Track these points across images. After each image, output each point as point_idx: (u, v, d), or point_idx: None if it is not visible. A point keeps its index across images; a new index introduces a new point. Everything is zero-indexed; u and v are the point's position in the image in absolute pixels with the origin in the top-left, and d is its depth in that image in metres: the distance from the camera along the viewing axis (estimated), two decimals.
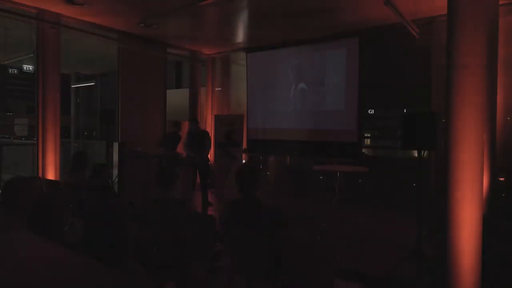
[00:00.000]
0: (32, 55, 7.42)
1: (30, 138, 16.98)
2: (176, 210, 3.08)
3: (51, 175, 6.09)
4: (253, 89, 8.03)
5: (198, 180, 6.81)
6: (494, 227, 4.48)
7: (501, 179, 5.20)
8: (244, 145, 8.01)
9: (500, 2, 4.95)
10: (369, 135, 8.74)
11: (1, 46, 8.83)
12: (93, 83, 13.72)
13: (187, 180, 7.51)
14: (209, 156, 6.94)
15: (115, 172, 6.58)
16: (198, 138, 6.40)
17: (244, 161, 7.96)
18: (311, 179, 7.88)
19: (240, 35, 7.59)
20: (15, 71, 30.34)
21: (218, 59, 9.50)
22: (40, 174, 5.99)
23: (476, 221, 2.93)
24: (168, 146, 6.69)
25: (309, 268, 2.25)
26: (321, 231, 4.59)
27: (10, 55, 9.36)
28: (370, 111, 8.02)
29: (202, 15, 6.42)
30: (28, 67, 12.03)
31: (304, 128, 7.20)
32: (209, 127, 8.98)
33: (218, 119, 8.08)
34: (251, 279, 2.65)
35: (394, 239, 4.94)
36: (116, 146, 6.62)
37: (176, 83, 12.03)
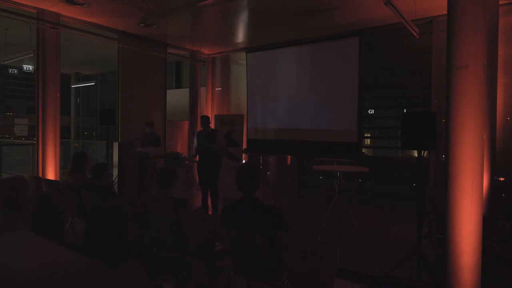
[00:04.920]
0: (32, 55, 7.41)
1: (30, 138, 17.00)
2: (176, 209, 3.08)
3: (51, 175, 6.10)
4: (253, 89, 8.03)
5: (197, 180, 6.77)
6: (494, 227, 4.48)
7: (501, 179, 5.21)
8: (244, 145, 8.01)
9: (500, 2, 4.96)
10: (369, 135, 8.75)
11: (1, 46, 8.84)
12: (93, 83, 13.74)
13: (187, 180, 7.50)
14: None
15: (115, 172, 6.57)
16: (212, 136, 6.33)
17: (244, 161, 7.96)
18: (311, 179, 7.89)
19: (240, 35, 7.59)
20: (15, 71, 30.36)
21: (218, 59, 9.50)
22: (40, 174, 5.99)
23: (476, 221, 2.93)
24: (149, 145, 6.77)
25: (309, 268, 2.25)
26: (321, 231, 4.58)
27: (10, 55, 9.37)
28: (370, 111, 8.03)
29: (202, 15, 6.42)
30: (28, 67, 12.05)
31: (304, 128, 7.20)
32: None
33: (218, 119, 8.08)
34: (251, 279, 2.65)
35: (394, 239, 4.94)
36: (116, 146, 6.62)
37: (176, 83, 12.04)
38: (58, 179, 6.06)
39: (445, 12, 3.18)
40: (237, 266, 2.67)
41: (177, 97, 10.09)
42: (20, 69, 13.12)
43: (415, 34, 5.69)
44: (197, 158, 6.44)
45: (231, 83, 9.46)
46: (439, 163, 5.77)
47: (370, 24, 6.49)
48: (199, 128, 6.88)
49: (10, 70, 30.76)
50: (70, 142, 13.40)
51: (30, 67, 11.97)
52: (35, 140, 6.21)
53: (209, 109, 9.44)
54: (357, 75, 6.46)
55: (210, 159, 6.20)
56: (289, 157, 8.24)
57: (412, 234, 3.73)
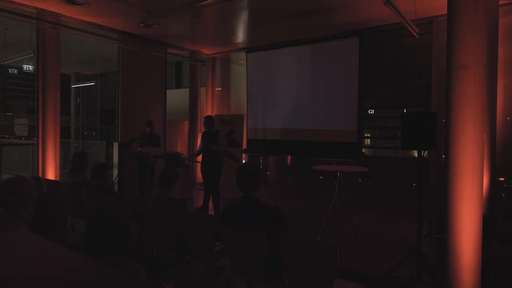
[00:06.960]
0: (32, 55, 7.41)
1: (30, 138, 17.00)
2: (176, 209, 3.08)
3: (51, 175, 6.09)
4: (253, 89, 8.03)
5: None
6: (494, 227, 4.48)
7: (501, 179, 5.20)
8: (244, 145, 8.00)
9: (500, 2, 4.96)
10: (369, 135, 8.75)
11: (1, 46, 8.85)
12: (93, 83, 13.74)
13: (187, 180, 7.49)
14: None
15: (115, 172, 6.58)
16: (214, 137, 6.31)
17: (244, 161, 7.96)
18: (311, 179, 7.89)
19: (240, 35, 7.59)
20: (15, 71, 30.33)
21: (218, 59, 9.50)
22: (40, 174, 5.99)
23: (476, 221, 2.93)
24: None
25: (309, 268, 2.25)
26: (321, 231, 4.58)
27: (10, 55, 9.37)
28: (370, 111, 8.03)
29: (202, 15, 6.42)
30: (28, 67, 12.03)
31: (304, 128, 7.20)
32: None
33: (218, 119, 8.08)
34: (251, 279, 2.65)
35: (394, 239, 4.94)
36: (116, 146, 6.62)
37: (176, 83, 12.04)
38: (58, 179, 6.05)
39: (445, 12, 3.18)
40: (237, 266, 2.67)
41: (177, 97, 10.09)
42: (20, 69, 13.10)
43: (415, 34, 5.69)
44: (199, 159, 6.44)
45: (231, 83, 9.46)
46: (439, 163, 5.77)
47: (370, 24, 6.49)
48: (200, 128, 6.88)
49: (10, 70, 30.73)
50: (70, 142, 13.40)
51: (30, 67, 11.95)
52: (35, 140, 6.21)
53: (209, 109, 9.44)
54: (357, 75, 6.46)
55: (212, 159, 6.19)
56: (289, 157, 8.24)
57: (412, 234, 3.73)
